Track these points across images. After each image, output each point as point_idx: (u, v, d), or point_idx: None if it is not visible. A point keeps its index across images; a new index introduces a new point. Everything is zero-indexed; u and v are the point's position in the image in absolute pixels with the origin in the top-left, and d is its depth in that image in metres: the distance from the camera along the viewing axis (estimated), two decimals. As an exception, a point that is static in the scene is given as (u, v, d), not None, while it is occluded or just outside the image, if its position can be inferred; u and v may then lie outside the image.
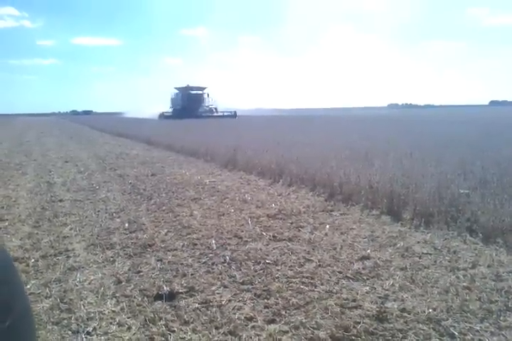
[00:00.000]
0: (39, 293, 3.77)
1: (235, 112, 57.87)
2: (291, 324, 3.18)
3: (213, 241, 5.06)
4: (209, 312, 3.40)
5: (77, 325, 3.23)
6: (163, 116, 57.39)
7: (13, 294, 1.23)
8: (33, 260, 4.58)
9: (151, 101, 77.14)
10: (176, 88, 63.77)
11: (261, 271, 4.17)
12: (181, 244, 5.05)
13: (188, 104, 57.69)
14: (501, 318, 3.19)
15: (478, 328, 3.06)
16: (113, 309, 3.47)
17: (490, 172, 7.60)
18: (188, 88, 61.58)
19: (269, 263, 4.38)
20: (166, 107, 63.52)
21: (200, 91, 62.28)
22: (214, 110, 59.71)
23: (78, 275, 4.17)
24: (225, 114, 57.43)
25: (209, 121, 36.65)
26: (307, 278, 3.99)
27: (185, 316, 3.33)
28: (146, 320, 3.29)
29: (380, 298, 3.57)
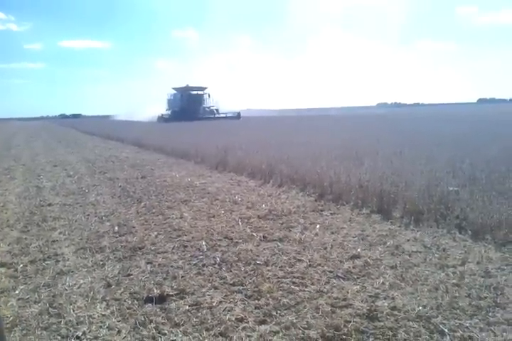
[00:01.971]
0: (28, 298, 3.74)
1: (239, 113, 54.72)
2: (282, 324, 3.18)
3: (204, 243, 5.04)
4: (200, 314, 3.39)
5: (67, 329, 3.21)
6: (162, 118, 52.76)
7: None
8: (21, 265, 4.54)
9: (144, 104, 72.35)
10: (174, 88, 59.23)
11: (251, 272, 4.17)
12: (171, 246, 5.03)
13: (188, 105, 53.48)
14: (490, 314, 3.21)
15: (467, 325, 3.08)
16: (103, 313, 3.45)
17: (479, 169, 7.66)
18: (188, 88, 57.35)
19: (259, 263, 4.37)
20: (162, 109, 58.59)
21: (201, 92, 57.72)
22: (215, 111, 55.52)
23: (67, 279, 4.14)
24: (228, 115, 53.50)
25: (203, 123, 35.93)
26: (298, 278, 3.99)
27: (176, 318, 3.31)
28: (136, 323, 3.27)
29: (370, 296, 3.58)
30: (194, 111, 51.61)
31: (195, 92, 57.44)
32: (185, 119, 41.69)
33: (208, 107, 56.16)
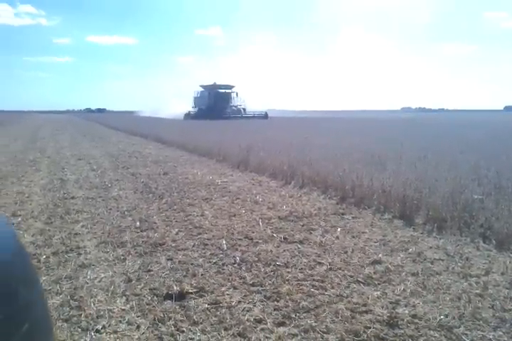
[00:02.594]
0: (50, 290, 3.79)
1: (266, 113, 54.21)
2: (301, 327, 3.16)
3: (224, 242, 5.05)
4: (218, 313, 3.39)
5: (87, 322, 3.24)
6: (189, 116, 53.21)
7: (32, 296, 1.21)
8: (44, 256, 4.60)
9: (169, 100, 71.15)
10: (201, 86, 58.52)
11: (271, 273, 4.15)
12: (192, 243, 5.05)
13: (215, 103, 53.08)
14: (515, 327, 3.14)
15: (491, 337, 3.01)
16: (123, 307, 3.48)
17: (505, 177, 7.50)
18: (215, 86, 56.62)
19: (279, 265, 4.36)
20: (188, 106, 58.67)
21: (229, 90, 57.12)
22: (242, 110, 54.93)
23: (89, 272, 4.18)
24: (256, 114, 53.08)
25: (229, 122, 35.57)
26: (318, 281, 3.97)
27: (195, 316, 3.32)
28: (155, 319, 3.29)
29: (391, 303, 3.53)
30: (221, 110, 51.01)
31: (222, 90, 56.64)
32: (212, 118, 41.21)
33: (235, 106, 55.63)
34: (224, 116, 48.29)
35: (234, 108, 55.02)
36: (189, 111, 55.16)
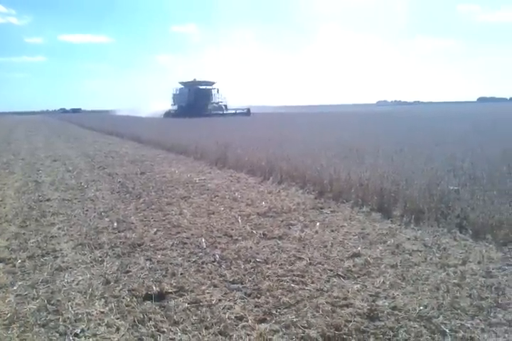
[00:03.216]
0: (26, 295, 3.71)
1: (249, 109, 52.16)
2: (282, 323, 3.16)
3: (203, 240, 5.02)
4: (199, 312, 3.36)
5: (65, 326, 3.18)
6: (170, 114, 51.02)
7: None
8: (19, 261, 4.51)
9: (147, 99, 68.23)
10: (180, 83, 55.78)
11: (251, 270, 4.14)
12: (171, 243, 5.01)
13: (196, 100, 50.83)
14: (492, 315, 3.19)
15: (469, 325, 3.06)
16: (101, 310, 3.43)
17: (479, 168, 7.62)
18: (195, 83, 53.99)
19: (259, 261, 4.35)
20: (167, 105, 56.44)
21: (209, 87, 54.59)
22: (224, 107, 52.75)
23: (66, 275, 4.11)
24: (238, 111, 51.07)
25: (209, 119, 35.23)
26: (298, 276, 3.97)
27: (175, 316, 3.29)
28: (135, 320, 3.25)
29: (371, 295, 3.55)
30: (202, 107, 49.57)
31: (203, 87, 54.55)
32: (193, 115, 40.01)
33: (217, 103, 53.76)
34: (205, 113, 46.91)
35: (215, 105, 53.27)
36: (169, 110, 53.31)
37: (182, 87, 55.50)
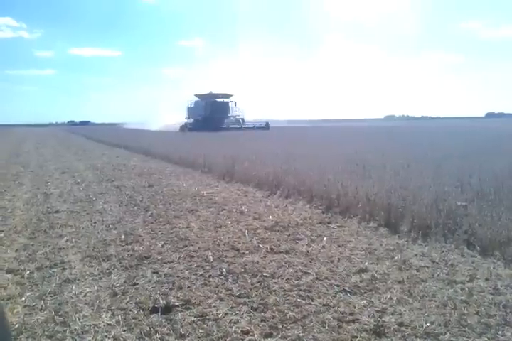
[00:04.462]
0: (34, 306, 3.74)
1: (267, 123, 50.78)
2: (288, 338, 3.16)
3: (210, 254, 5.03)
4: (205, 325, 3.37)
5: (72, 338, 3.20)
6: (186, 128, 48.12)
7: None
8: (28, 272, 4.54)
9: (157, 112, 65.82)
10: (196, 95, 53.98)
11: (258, 284, 4.15)
12: (178, 256, 5.03)
13: (212, 113, 48.76)
14: (500, 333, 3.17)
15: (476, 343, 3.04)
16: (108, 322, 3.44)
17: (487, 184, 7.61)
18: (212, 95, 52.12)
19: (266, 276, 4.35)
20: (179, 118, 54.05)
21: (227, 99, 52.67)
22: (241, 121, 51.55)
23: (74, 287, 4.13)
24: (256, 125, 49.63)
25: (225, 134, 34.30)
26: (304, 291, 3.97)
27: (181, 329, 3.30)
28: (141, 333, 3.26)
29: (377, 311, 3.54)
30: (219, 121, 47.64)
31: (220, 100, 52.56)
32: (210, 129, 38.52)
33: (234, 116, 52.12)
34: (222, 127, 45.65)
35: (232, 118, 51.60)
36: (185, 123, 50.97)
37: (197, 99, 53.85)
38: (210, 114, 49.03)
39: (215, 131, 36.92)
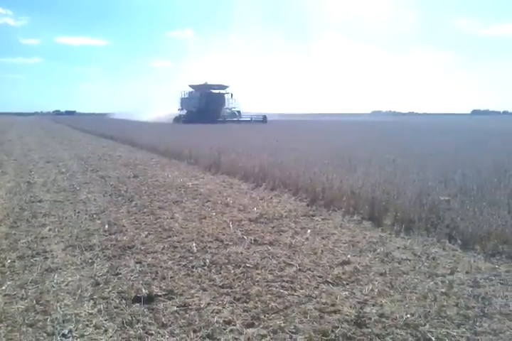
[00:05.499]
0: (14, 295, 3.70)
1: (265, 116, 49.82)
2: (270, 328, 3.17)
3: (194, 244, 5.03)
4: (187, 315, 3.37)
5: (53, 327, 3.18)
6: (180, 119, 47.29)
7: None
8: (9, 261, 4.50)
9: (147, 102, 63.81)
10: (190, 86, 51.78)
11: (241, 275, 4.15)
12: (161, 246, 5.01)
13: (207, 105, 46.85)
14: (478, 324, 3.22)
15: (455, 333, 3.08)
16: (90, 311, 3.43)
17: (470, 179, 7.70)
18: (207, 86, 50.27)
19: (249, 266, 4.36)
20: (172, 109, 52.74)
21: (223, 91, 50.87)
22: (237, 113, 50.13)
23: (55, 276, 4.10)
24: (253, 118, 49.03)
25: (217, 126, 33.42)
26: (287, 282, 3.99)
27: (163, 319, 3.29)
28: (123, 322, 3.25)
29: (359, 302, 3.58)
30: (214, 113, 45.88)
31: (216, 91, 50.86)
32: (204, 121, 37.23)
33: (230, 108, 50.64)
34: (218, 119, 44.34)
35: (228, 110, 50.22)
36: (179, 115, 49.81)
37: (192, 90, 51.96)
38: (206, 105, 47.25)
39: (211, 124, 35.95)
